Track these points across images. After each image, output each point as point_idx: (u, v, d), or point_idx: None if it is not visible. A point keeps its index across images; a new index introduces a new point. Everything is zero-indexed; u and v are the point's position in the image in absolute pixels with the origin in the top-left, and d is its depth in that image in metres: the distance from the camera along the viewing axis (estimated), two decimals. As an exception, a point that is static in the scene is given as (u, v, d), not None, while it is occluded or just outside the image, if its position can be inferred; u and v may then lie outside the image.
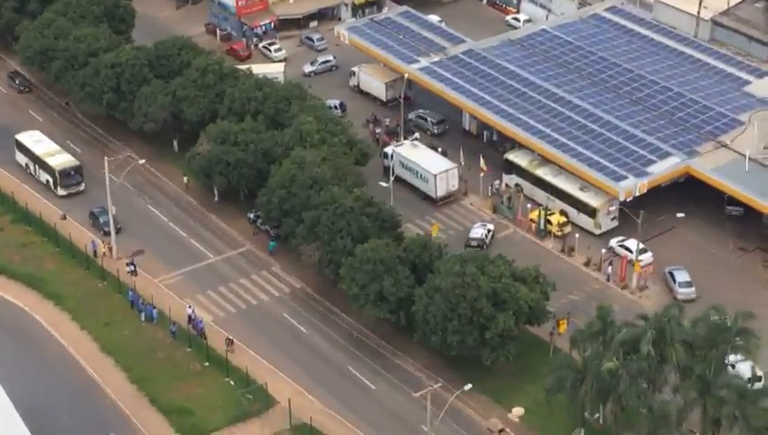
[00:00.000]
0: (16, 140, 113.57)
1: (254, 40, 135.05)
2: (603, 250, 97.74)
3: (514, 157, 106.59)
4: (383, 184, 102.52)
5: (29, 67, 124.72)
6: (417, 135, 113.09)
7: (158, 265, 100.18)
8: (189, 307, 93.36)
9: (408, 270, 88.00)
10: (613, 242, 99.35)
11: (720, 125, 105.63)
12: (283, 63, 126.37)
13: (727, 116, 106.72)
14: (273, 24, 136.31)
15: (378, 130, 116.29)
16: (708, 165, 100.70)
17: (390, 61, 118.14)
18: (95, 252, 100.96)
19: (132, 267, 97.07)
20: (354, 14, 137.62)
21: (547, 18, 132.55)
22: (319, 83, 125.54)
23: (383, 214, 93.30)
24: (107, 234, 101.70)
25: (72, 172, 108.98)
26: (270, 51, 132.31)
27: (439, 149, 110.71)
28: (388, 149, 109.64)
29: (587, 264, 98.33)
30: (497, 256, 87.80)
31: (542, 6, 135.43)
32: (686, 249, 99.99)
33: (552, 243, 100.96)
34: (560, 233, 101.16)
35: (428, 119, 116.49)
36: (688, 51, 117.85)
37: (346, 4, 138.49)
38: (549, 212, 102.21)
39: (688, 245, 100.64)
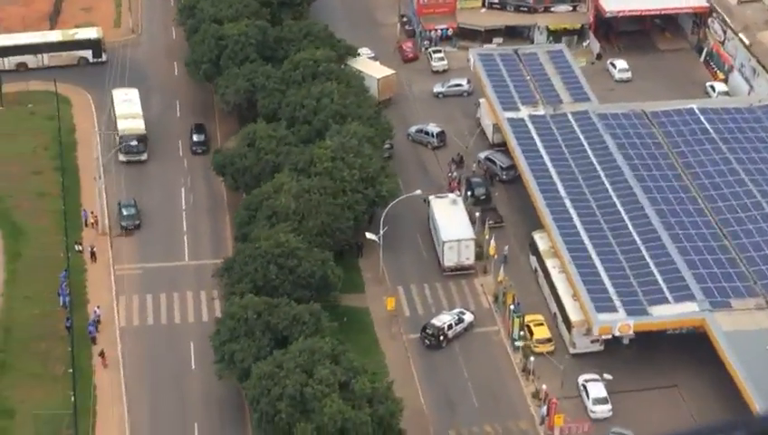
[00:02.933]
0: (111, 94, 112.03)
1: (426, 43, 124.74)
2: (544, 386, 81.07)
3: (539, 238, 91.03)
4: (369, 236, 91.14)
5: (179, 23, 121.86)
6: (482, 189, 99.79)
7: (131, 252, 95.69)
8: (97, 308, 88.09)
9: (268, 340, 77.35)
10: (581, 378, 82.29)
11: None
12: (391, 71, 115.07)
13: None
14: (450, 31, 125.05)
15: (453, 174, 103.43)
16: (729, 325, 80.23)
17: (492, 101, 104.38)
18: (85, 221, 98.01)
19: (79, 247, 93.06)
20: (547, 39, 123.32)
21: (749, 94, 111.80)
22: (445, 107, 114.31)
23: (301, 270, 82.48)
24: (124, 229, 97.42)
25: (136, 141, 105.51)
26: (432, 58, 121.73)
27: (478, 213, 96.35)
28: (431, 198, 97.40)
29: (535, 395, 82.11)
30: (346, 356, 74.56)
31: (747, 81, 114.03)
32: (668, 415, 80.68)
33: (520, 356, 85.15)
34: (536, 349, 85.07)
35: (497, 163, 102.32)
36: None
37: (539, 27, 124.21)
38: (535, 322, 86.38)
39: (676, 411, 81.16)
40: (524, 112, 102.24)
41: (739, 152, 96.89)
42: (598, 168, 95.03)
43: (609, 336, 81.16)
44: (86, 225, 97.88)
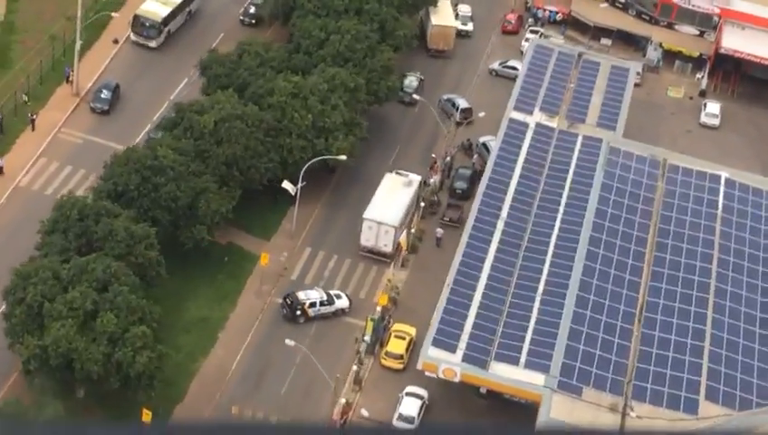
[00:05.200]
0: None
1: (531, 20, 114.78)
2: (342, 401, 73.29)
3: None
4: (286, 185, 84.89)
5: None
6: (463, 184, 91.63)
7: (87, 121, 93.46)
8: (1, 159, 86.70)
9: (77, 245, 73.21)
10: (406, 389, 74.77)
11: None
12: (450, 24, 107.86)
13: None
14: (560, 16, 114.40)
15: (446, 159, 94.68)
16: (561, 413, 69.57)
17: (512, 96, 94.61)
18: (67, 77, 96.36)
19: (26, 98, 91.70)
20: (660, 58, 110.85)
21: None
22: (495, 85, 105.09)
23: (164, 190, 77.35)
24: (93, 111, 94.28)
25: (147, 24, 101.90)
26: (526, 37, 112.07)
27: (423, 203, 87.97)
28: (391, 172, 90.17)
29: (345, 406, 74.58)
30: (119, 289, 68.94)
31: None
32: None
33: (357, 365, 77.19)
34: (384, 361, 77.41)
35: (491, 151, 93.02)
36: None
37: (653, 42, 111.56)
38: (398, 333, 78.41)
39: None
40: (534, 118, 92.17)
41: (731, 239, 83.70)
42: (563, 200, 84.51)
43: (434, 376, 72.20)
44: (67, 81, 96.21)
